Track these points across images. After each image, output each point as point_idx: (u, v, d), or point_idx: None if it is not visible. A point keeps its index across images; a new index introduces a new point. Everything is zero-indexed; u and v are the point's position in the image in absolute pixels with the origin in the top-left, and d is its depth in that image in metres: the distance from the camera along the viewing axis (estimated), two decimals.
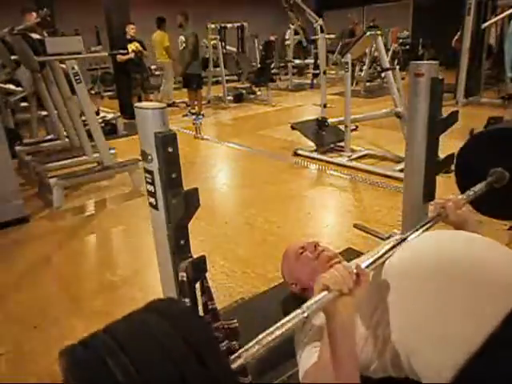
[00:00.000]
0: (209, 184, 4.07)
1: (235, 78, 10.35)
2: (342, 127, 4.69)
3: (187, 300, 1.07)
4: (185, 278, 1.10)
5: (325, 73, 5.08)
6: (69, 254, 2.82)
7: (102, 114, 6.08)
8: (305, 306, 0.84)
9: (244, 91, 9.07)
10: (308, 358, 1.06)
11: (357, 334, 0.93)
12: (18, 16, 4.89)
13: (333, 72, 10.06)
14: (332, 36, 9.17)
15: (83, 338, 0.63)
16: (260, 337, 0.79)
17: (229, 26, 9.05)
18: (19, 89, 4.80)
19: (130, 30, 6.90)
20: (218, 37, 8.50)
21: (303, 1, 5.07)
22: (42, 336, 1.99)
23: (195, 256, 1.13)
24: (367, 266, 0.96)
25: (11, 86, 4.85)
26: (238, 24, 9.42)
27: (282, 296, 1.69)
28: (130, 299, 2.23)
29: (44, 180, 3.67)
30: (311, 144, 4.80)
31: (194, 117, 6.17)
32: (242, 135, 5.97)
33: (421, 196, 1.74)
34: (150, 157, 1.04)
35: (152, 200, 1.11)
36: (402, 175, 3.12)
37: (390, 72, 4.48)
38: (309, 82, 10.36)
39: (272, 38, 10.39)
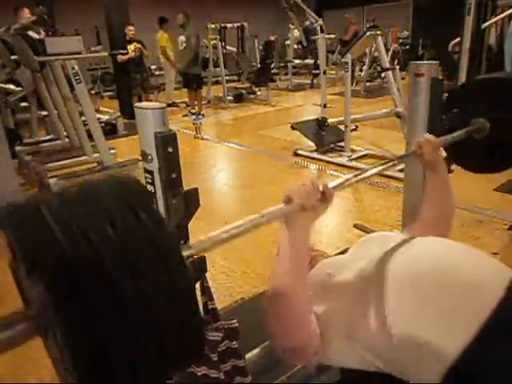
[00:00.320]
0: (209, 184, 4.07)
1: (235, 78, 10.35)
2: (342, 127, 4.69)
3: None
4: None
5: (325, 73, 5.08)
6: None
7: (97, 116, 6.06)
8: (265, 211, 0.86)
9: (244, 91, 9.06)
10: None
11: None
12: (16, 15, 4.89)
13: (333, 72, 10.07)
14: (332, 36, 9.19)
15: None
16: (214, 234, 0.80)
17: (229, 25, 9.05)
18: (19, 89, 4.80)
19: (129, 31, 6.90)
20: (218, 37, 8.50)
21: (303, 1, 5.07)
22: None
23: (195, 256, 1.13)
24: (335, 187, 0.99)
25: (11, 86, 4.85)
26: (238, 24, 9.42)
27: None
28: None
29: (44, 180, 3.67)
30: (311, 144, 4.80)
31: (193, 117, 6.17)
32: (242, 135, 5.97)
33: (421, 196, 1.73)
34: (149, 157, 1.04)
35: None
36: (402, 175, 3.12)
37: (390, 72, 4.49)
38: (309, 82, 10.37)
39: (272, 38, 10.40)
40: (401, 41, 11.60)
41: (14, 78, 4.78)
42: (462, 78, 6.69)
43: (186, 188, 1.08)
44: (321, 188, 0.93)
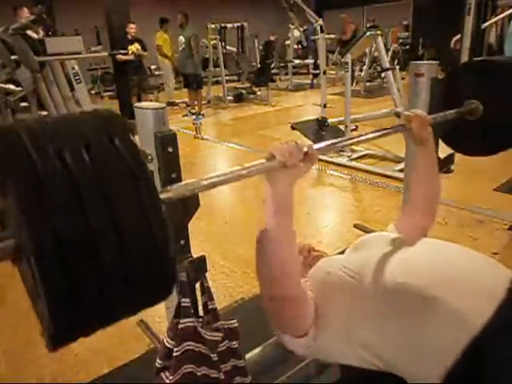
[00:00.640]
0: None
1: (235, 77, 10.35)
2: (342, 127, 4.69)
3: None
4: (185, 278, 1.10)
5: (325, 73, 5.08)
6: None
7: None
8: (247, 165, 0.88)
9: (244, 91, 9.07)
10: None
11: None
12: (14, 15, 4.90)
13: (333, 72, 10.07)
14: (332, 36, 9.18)
15: None
16: (193, 180, 0.82)
17: (229, 26, 9.05)
18: (19, 89, 4.80)
19: (131, 29, 6.89)
20: (218, 37, 8.50)
21: (303, 1, 5.07)
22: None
23: (195, 256, 1.13)
24: (319, 149, 1.01)
25: (11, 86, 4.84)
26: (238, 24, 9.42)
27: None
28: None
29: None
30: None
31: (194, 117, 6.17)
32: (242, 135, 5.97)
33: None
34: (149, 157, 1.04)
35: None
36: (401, 175, 3.12)
37: (390, 72, 4.49)
38: (309, 82, 10.37)
39: (272, 38, 10.40)
40: (401, 41, 11.60)
41: (14, 78, 4.78)
42: None
43: None
44: (305, 149, 0.93)
